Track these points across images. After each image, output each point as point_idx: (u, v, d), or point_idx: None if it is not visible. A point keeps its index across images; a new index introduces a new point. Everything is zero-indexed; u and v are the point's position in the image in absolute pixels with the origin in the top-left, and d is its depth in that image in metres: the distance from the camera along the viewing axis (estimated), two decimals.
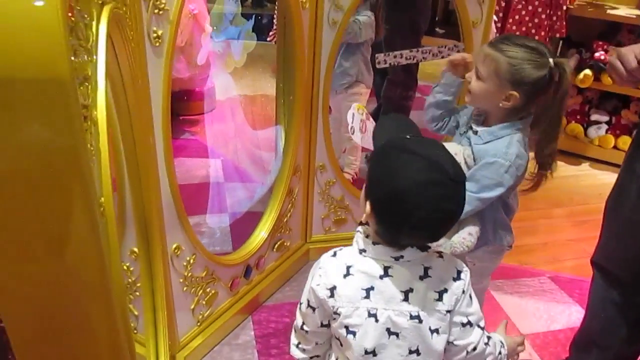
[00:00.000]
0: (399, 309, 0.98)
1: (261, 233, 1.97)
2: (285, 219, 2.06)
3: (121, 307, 0.85)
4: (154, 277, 1.50)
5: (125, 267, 1.58)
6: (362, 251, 1.01)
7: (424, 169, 0.91)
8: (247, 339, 1.89)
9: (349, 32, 2.33)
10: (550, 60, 1.26)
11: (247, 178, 2.93)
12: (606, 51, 3.18)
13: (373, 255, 1.00)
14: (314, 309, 1.04)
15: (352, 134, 1.64)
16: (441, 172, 0.91)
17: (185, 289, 1.67)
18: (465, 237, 1.32)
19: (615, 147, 3.29)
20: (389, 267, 0.99)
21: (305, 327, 1.08)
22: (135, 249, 1.52)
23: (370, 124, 1.66)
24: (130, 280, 1.60)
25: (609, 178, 1.37)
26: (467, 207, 1.27)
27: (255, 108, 3.66)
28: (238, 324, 1.94)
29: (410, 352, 1.00)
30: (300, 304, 1.08)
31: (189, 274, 1.66)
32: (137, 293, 1.61)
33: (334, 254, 1.04)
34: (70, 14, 0.62)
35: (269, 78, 3.71)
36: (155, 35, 1.29)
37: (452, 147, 1.32)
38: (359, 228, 1.04)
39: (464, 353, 1.04)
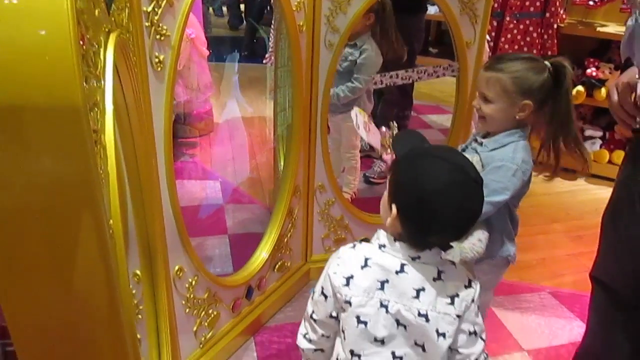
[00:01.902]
0: (409, 304, 1.02)
1: (262, 254, 1.98)
2: (285, 239, 2.07)
3: (130, 331, 0.85)
4: (157, 300, 1.50)
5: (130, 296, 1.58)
6: (381, 246, 1.05)
7: (448, 171, 0.98)
8: None
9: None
10: (546, 62, 1.34)
11: (247, 199, 2.94)
12: (597, 68, 3.23)
13: (392, 251, 1.04)
14: (326, 297, 1.08)
15: (358, 129, 1.68)
16: (464, 174, 0.99)
17: (187, 310, 1.67)
18: (475, 242, 1.35)
19: (610, 161, 3.33)
20: (405, 265, 1.03)
21: (314, 316, 1.11)
22: (138, 272, 1.52)
23: (374, 126, 1.70)
24: (133, 303, 1.60)
25: (605, 192, 1.40)
26: None
27: (253, 130, 3.69)
28: (240, 346, 1.93)
29: (416, 344, 1.04)
30: (314, 292, 1.12)
31: (192, 296, 1.67)
32: (140, 316, 1.60)
33: (353, 246, 1.09)
34: (81, 42, 0.64)
35: (265, 100, 3.75)
36: (157, 60, 1.32)
37: None
38: (380, 229, 1.08)
39: None
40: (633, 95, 1.24)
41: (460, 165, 1.00)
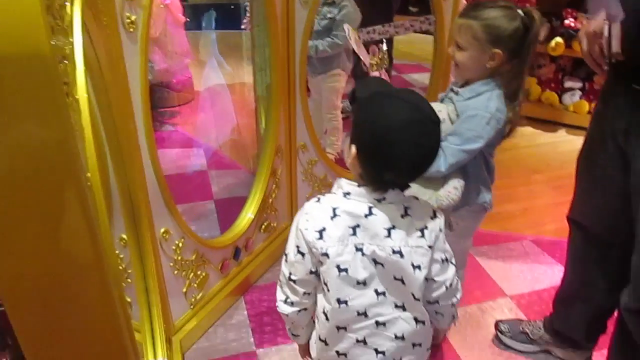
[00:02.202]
0: (382, 244, 1.05)
1: (248, 214, 2.00)
2: (270, 200, 2.09)
3: (115, 280, 0.87)
4: (144, 261, 1.52)
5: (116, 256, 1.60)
6: (346, 194, 1.07)
7: (404, 109, 1.00)
8: (241, 319, 1.93)
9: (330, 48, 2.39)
10: (519, 10, 1.33)
11: (231, 164, 2.95)
12: (575, 18, 3.23)
13: (357, 197, 1.06)
14: (303, 255, 1.09)
15: (349, 40, 1.70)
16: (420, 112, 1.00)
17: (176, 272, 1.69)
18: (450, 190, 1.37)
19: (590, 112, 3.35)
20: (372, 207, 1.05)
21: (293, 277, 1.12)
22: (124, 236, 1.54)
23: (363, 47, 1.74)
24: (121, 267, 1.62)
25: None
26: (452, 160, 1.33)
27: (234, 96, 3.67)
28: (231, 305, 1.97)
29: (395, 279, 1.08)
30: (286, 255, 1.13)
31: (179, 258, 1.69)
32: (129, 280, 1.63)
33: (318, 200, 1.10)
34: None
35: (245, 66, 3.72)
36: (129, 20, 1.30)
37: (435, 105, 1.38)
38: (340, 179, 1.10)
39: (443, 288, 1.12)
40: (599, 41, 1.26)
41: (416, 104, 1.01)
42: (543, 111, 3.47)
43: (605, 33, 1.22)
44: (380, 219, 1.05)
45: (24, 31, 0.58)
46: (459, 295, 1.17)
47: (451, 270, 1.12)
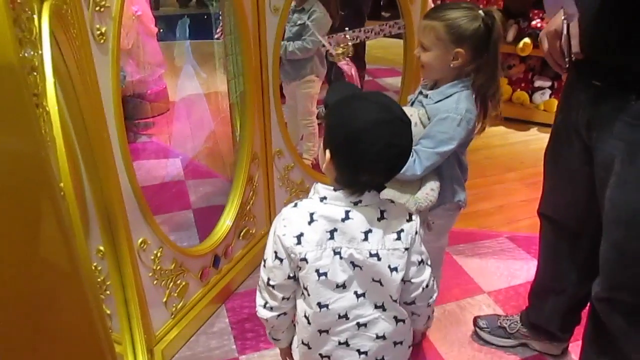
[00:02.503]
0: (360, 247, 1.07)
1: (226, 222, 2.01)
2: (248, 207, 2.10)
3: (91, 285, 0.88)
4: (122, 272, 1.52)
5: (93, 267, 1.59)
6: (322, 199, 1.08)
7: (374, 111, 1.02)
8: (223, 326, 1.93)
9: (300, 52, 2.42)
10: (480, 11, 1.38)
11: (208, 173, 2.95)
12: (542, 19, 3.31)
13: (334, 201, 1.08)
14: (281, 260, 1.10)
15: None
16: (390, 113, 1.03)
17: (155, 282, 1.69)
18: (428, 192, 1.40)
19: None
20: (349, 211, 1.07)
21: (271, 282, 1.14)
22: (102, 247, 1.53)
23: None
24: (100, 279, 1.61)
25: None
26: (427, 163, 1.36)
27: (209, 105, 3.67)
28: (212, 313, 1.97)
29: (374, 280, 1.10)
30: (265, 260, 1.14)
31: (158, 267, 1.69)
32: (108, 292, 1.62)
33: (295, 205, 1.12)
34: (11, 5, 0.65)
35: (219, 75, 3.72)
36: (99, 32, 1.31)
37: (406, 110, 1.41)
38: (317, 183, 1.12)
39: (420, 290, 1.14)
40: (559, 41, 1.30)
41: (386, 105, 1.04)
42: (515, 110, 3.54)
43: (564, 32, 1.26)
44: (357, 223, 1.07)
45: None
46: (434, 296, 1.20)
47: (427, 271, 1.15)
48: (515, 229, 2.47)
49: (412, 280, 1.13)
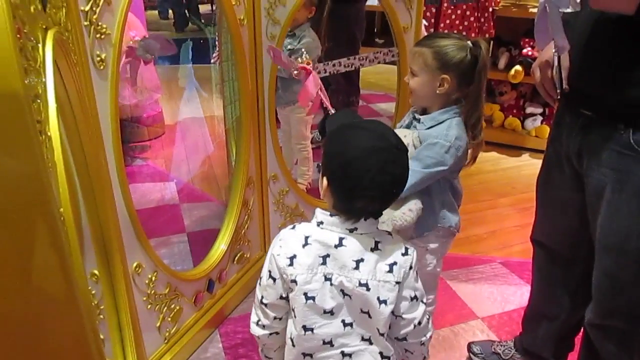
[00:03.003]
0: (350, 275, 1.08)
1: (220, 246, 2.01)
2: (243, 231, 2.10)
3: (89, 315, 0.88)
4: (117, 296, 1.51)
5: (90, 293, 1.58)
6: (319, 223, 1.10)
7: (370, 138, 1.05)
8: (216, 352, 1.92)
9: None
10: (468, 42, 1.42)
11: (203, 197, 2.96)
12: (533, 47, 3.38)
13: (329, 226, 1.09)
14: (274, 280, 1.12)
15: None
16: (385, 140, 1.05)
17: (149, 306, 1.69)
18: (405, 212, 1.42)
19: None
20: (343, 238, 1.08)
21: (264, 300, 1.15)
22: (96, 271, 1.53)
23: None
24: (94, 303, 1.61)
25: None
26: (412, 180, 1.37)
27: (204, 129, 3.70)
28: (205, 338, 1.96)
29: (362, 311, 1.10)
30: (261, 277, 1.16)
31: (152, 292, 1.68)
32: (102, 316, 1.61)
33: (293, 227, 1.14)
34: (18, 35, 0.67)
35: (215, 99, 3.76)
36: (99, 59, 1.33)
37: (400, 132, 1.45)
38: (317, 208, 1.14)
39: (412, 326, 1.13)
40: (550, 71, 1.34)
41: (380, 133, 1.07)
42: (507, 136, 3.59)
43: (555, 63, 1.30)
44: (350, 250, 1.08)
45: (1, 74, 0.61)
46: (428, 335, 1.18)
47: (421, 308, 1.13)
48: (508, 254, 2.49)
49: (404, 316, 1.12)
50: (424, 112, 1.51)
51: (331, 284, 1.08)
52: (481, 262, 2.43)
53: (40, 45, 0.83)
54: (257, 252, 2.25)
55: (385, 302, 1.08)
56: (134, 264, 1.60)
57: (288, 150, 2.79)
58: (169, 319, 1.79)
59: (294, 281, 1.08)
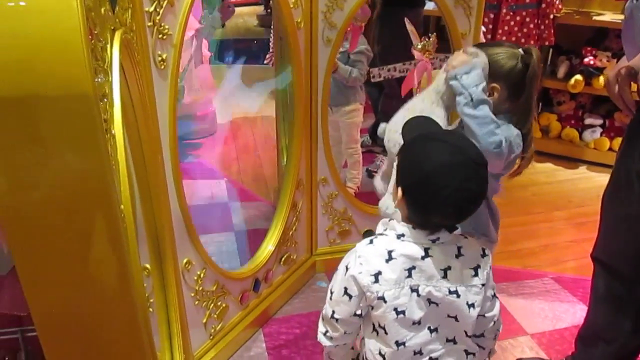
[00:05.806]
0: (439, 285, 1.08)
1: (268, 247, 2.02)
2: (290, 232, 2.11)
3: (143, 313, 0.90)
4: (167, 292, 1.54)
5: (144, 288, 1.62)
6: (400, 236, 1.09)
7: (448, 153, 1.03)
8: (259, 351, 1.93)
9: (340, 73, 2.46)
10: (520, 50, 1.38)
11: (252, 197, 2.99)
12: (595, 56, 3.26)
13: (412, 238, 1.08)
14: (350, 297, 1.11)
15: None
16: (464, 155, 1.03)
17: (196, 303, 1.71)
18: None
19: (610, 149, 3.35)
20: (428, 249, 1.08)
21: (335, 315, 1.14)
22: (148, 266, 1.57)
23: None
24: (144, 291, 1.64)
25: (606, 179, 1.43)
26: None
27: (255, 129, 3.75)
28: (249, 337, 1.98)
29: (449, 316, 1.10)
30: (332, 293, 1.15)
31: (200, 288, 1.71)
32: (151, 309, 1.65)
33: (371, 242, 1.12)
34: (90, 37, 0.69)
35: (267, 99, 3.80)
36: (160, 59, 1.36)
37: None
38: (385, 220, 1.13)
39: (492, 323, 1.15)
40: (630, 83, 1.28)
41: (460, 147, 1.04)
42: (563, 148, 3.47)
43: None
44: (436, 261, 1.08)
45: (73, 75, 0.63)
46: (500, 328, 1.20)
47: (497, 304, 1.16)
48: (561, 270, 2.40)
49: (486, 315, 1.14)
50: None
51: (418, 295, 1.08)
52: (532, 276, 2.35)
53: (108, 46, 0.85)
54: (304, 254, 2.25)
55: (473, 305, 1.09)
56: (184, 261, 1.62)
57: (335, 154, 2.78)
58: (215, 316, 1.81)
59: (381, 298, 1.08)
